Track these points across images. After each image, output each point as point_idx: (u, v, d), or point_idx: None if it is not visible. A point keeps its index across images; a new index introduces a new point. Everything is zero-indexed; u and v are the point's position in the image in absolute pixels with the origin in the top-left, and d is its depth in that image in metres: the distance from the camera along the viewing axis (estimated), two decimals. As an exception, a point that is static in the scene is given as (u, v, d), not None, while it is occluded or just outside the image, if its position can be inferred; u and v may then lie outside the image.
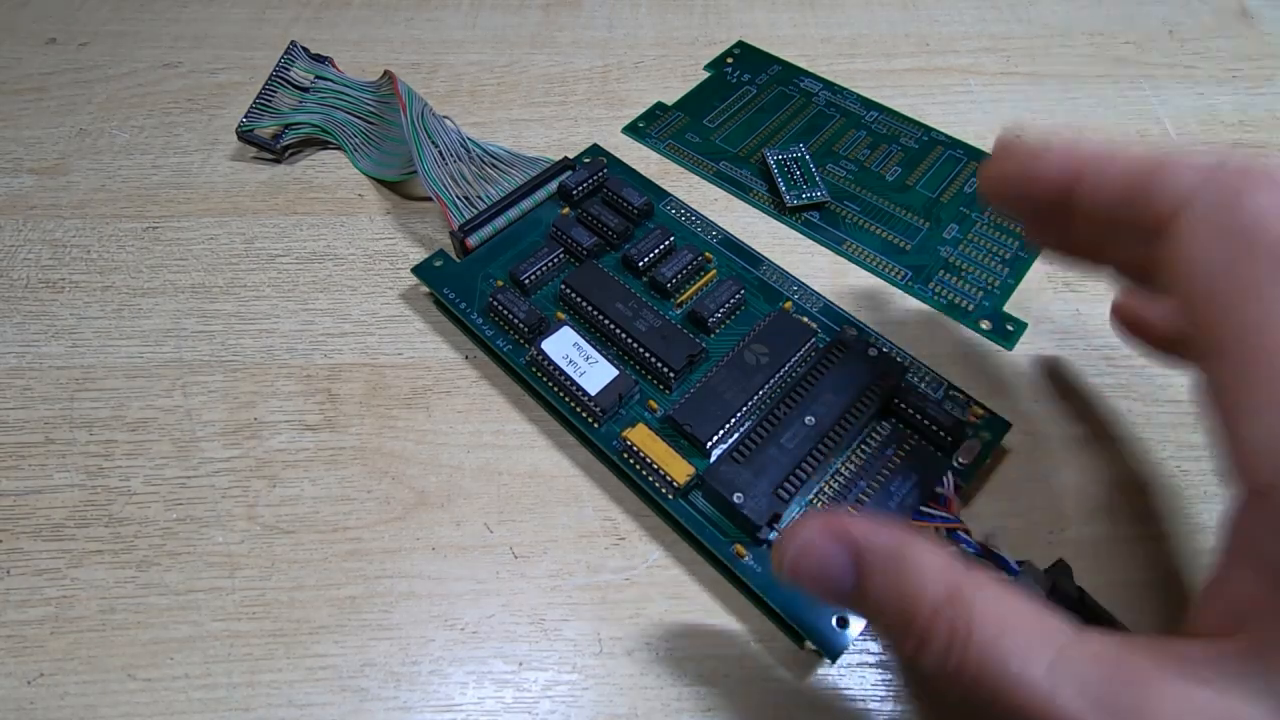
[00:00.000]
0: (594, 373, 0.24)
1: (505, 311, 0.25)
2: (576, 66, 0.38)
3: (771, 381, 0.24)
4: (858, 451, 0.23)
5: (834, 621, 0.20)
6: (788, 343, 0.24)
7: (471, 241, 0.28)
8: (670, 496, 0.22)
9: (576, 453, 0.25)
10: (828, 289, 0.27)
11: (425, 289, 0.28)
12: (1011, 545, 0.20)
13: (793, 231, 0.30)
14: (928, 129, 0.34)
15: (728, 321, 0.26)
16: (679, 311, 0.26)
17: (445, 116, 0.31)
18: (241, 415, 0.25)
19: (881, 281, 0.29)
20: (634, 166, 0.31)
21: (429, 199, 0.31)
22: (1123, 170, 0.17)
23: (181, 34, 0.40)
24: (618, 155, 0.32)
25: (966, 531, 0.20)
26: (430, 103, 0.31)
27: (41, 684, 0.20)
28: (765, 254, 0.28)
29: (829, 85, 0.36)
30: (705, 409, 0.23)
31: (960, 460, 0.22)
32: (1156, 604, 0.21)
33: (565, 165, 0.30)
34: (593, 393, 0.23)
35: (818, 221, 0.30)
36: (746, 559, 0.21)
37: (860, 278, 0.29)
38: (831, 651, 0.20)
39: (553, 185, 0.30)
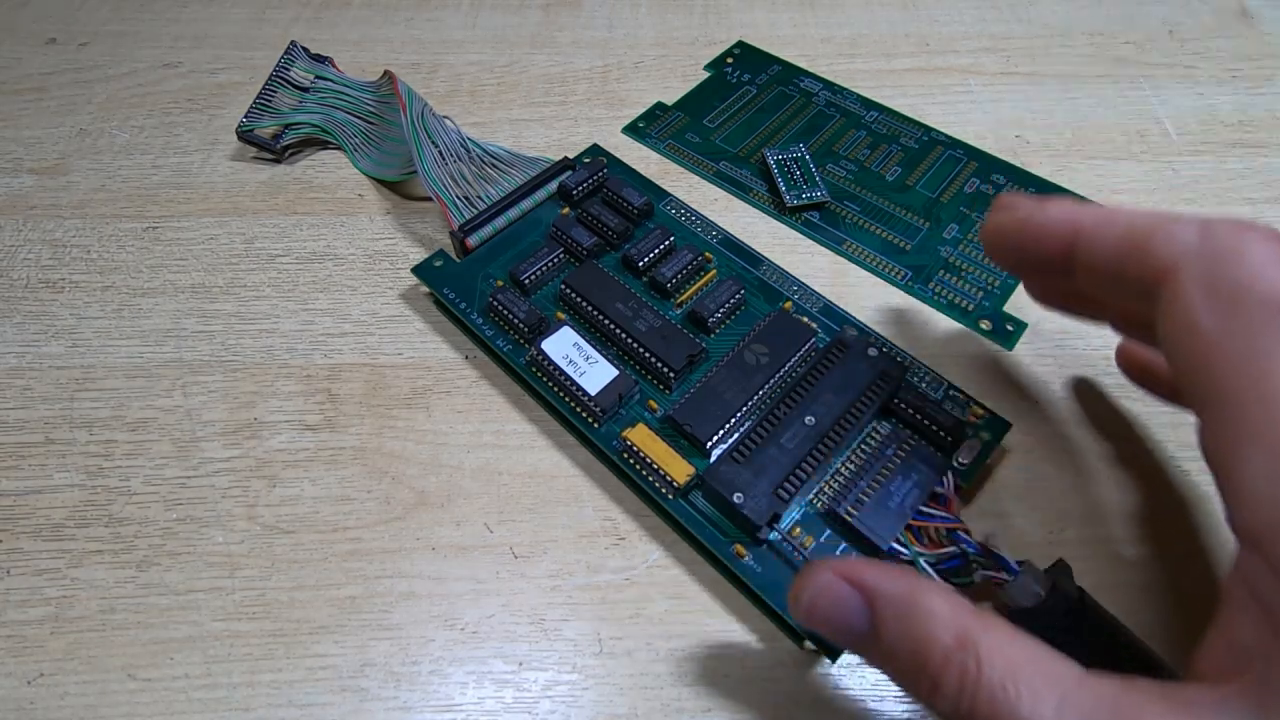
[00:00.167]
0: (594, 373, 0.24)
1: (505, 311, 0.25)
2: (576, 66, 0.38)
3: (771, 381, 0.24)
4: (858, 451, 0.23)
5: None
6: (788, 343, 0.24)
7: (471, 241, 0.28)
8: (670, 496, 0.22)
9: (576, 453, 0.25)
10: (828, 289, 0.27)
11: (425, 289, 0.28)
12: (1011, 545, 0.20)
13: (793, 231, 0.30)
14: (928, 129, 0.34)
15: (728, 321, 0.26)
16: (679, 311, 0.26)
17: (445, 116, 0.31)
18: (241, 415, 0.26)
19: (881, 281, 0.29)
20: (634, 166, 0.31)
21: (429, 199, 0.31)
22: (1121, 229, 0.17)
23: (181, 34, 0.40)
24: (618, 155, 0.32)
25: (966, 531, 0.20)
26: (430, 103, 0.31)
27: (41, 684, 0.20)
28: (765, 254, 0.28)
29: (829, 85, 0.36)
30: (705, 409, 0.23)
31: (960, 460, 0.22)
32: (1156, 604, 0.21)
33: (565, 165, 0.30)
34: (593, 393, 0.23)
35: (818, 221, 0.30)
36: (746, 559, 0.21)
37: (860, 278, 0.29)
38: (831, 651, 0.20)
39: (553, 185, 0.30)
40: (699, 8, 0.41)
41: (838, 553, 0.21)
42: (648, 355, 0.24)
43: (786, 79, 0.36)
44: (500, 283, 0.27)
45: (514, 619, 0.21)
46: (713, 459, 0.23)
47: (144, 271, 0.30)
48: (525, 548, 0.23)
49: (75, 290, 0.29)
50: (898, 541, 0.21)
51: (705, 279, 0.27)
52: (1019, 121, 0.34)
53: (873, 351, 0.23)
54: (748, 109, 0.35)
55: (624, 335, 0.25)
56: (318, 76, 0.35)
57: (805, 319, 0.26)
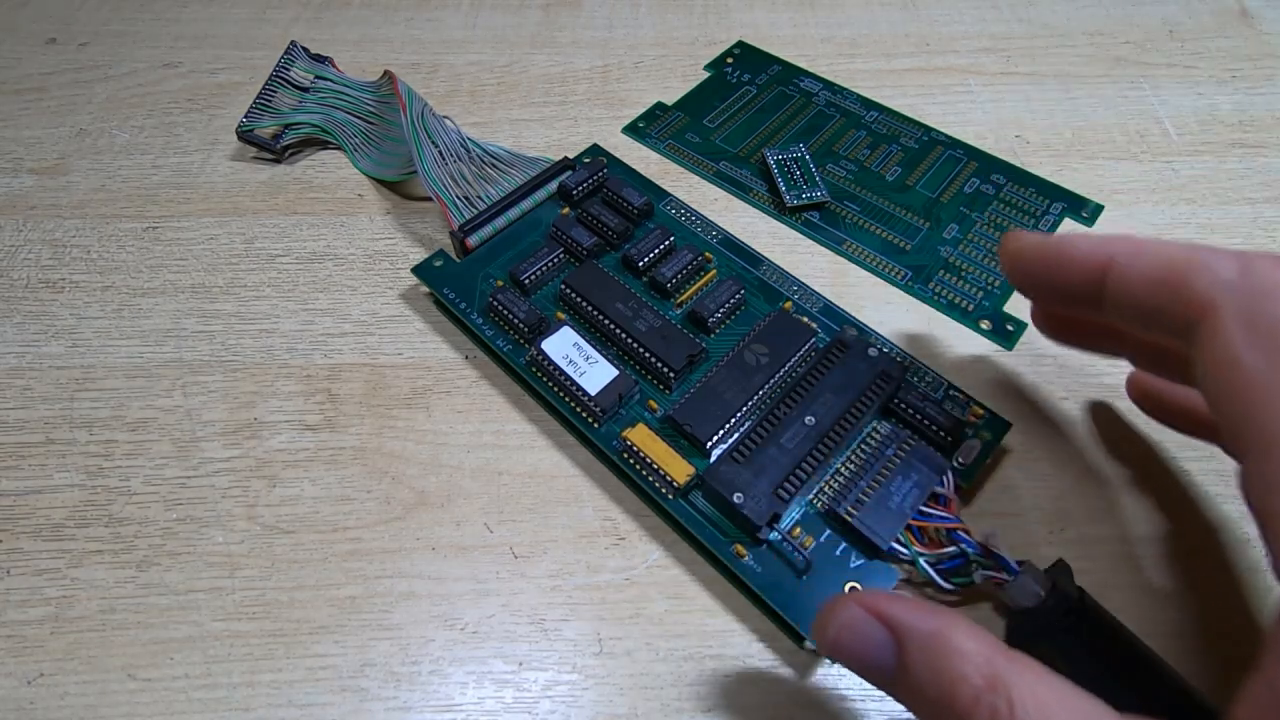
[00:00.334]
0: (594, 373, 0.24)
1: (505, 311, 0.25)
2: (576, 66, 0.38)
3: (771, 381, 0.24)
4: (858, 451, 0.23)
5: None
6: (788, 343, 0.24)
7: (471, 241, 0.28)
8: (670, 496, 0.22)
9: (576, 453, 0.25)
10: (828, 289, 0.27)
11: (425, 289, 0.28)
12: (1011, 545, 0.20)
13: (793, 231, 0.30)
14: (928, 129, 0.34)
15: (728, 321, 0.26)
16: (679, 311, 0.26)
17: (445, 116, 0.31)
18: (241, 415, 0.25)
19: (881, 281, 0.29)
20: (634, 166, 0.31)
21: (429, 199, 0.31)
22: (1156, 261, 0.17)
23: (181, 34, 0.40)
24: (618, 155, 0.32)
25: (966, 531, 0.20)
26: (430, 103, 0.31)
27: (41, 684, 0.20)
28: (765, 254, 0.28)
29: (829, 85, 0.36)
30: (705, 409, 0.23)
31: (960, 460, 0.22)
32: (1156, 604, 0.21)
33: (565, 165, 0.30)
34: (593, 393, 0.23)
35: (818, 221, 0.30)
36: (746, 559, 0.21)
37: (860, 278, 0.29)
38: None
39: (553, 185, 0.30)
40: (699, 8, 0.41)
41: (837, 553, 0.21)
42: (648, 355, 0.24)
43: (786, 79, 0.36)
44: (500, 283, 0.27)
45: (514, 619, 0.21)
46: (713, 459, 0.23)
47: (144, 271, 0.30)
48: (525, 548, 0.23)
49: (75, 290, 0.29)
50: (898, 541, 0.21)
51: (705, 279, 0.27)
52: (1019, 121, 0.34)
53: (873, 351, 0.23)
54: (748, 109, 0.35)
55: (624, 335, 0.25)
56: (318, 76, 0.35)
57: (805, 319, 0.26)
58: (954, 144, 0.33)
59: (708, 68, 0.37)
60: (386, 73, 0.32)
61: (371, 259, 0.30)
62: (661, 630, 0.21)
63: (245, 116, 0.33)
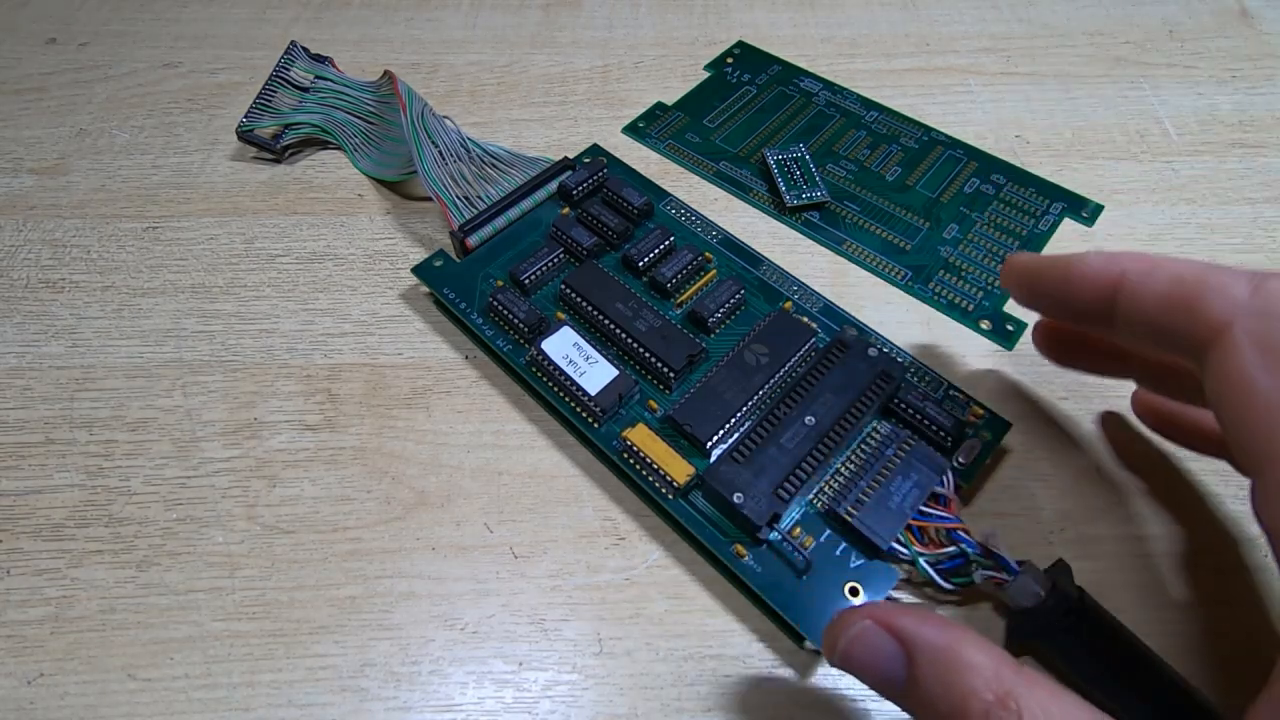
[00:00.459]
0: (594, 373, 0.24)
1: (505, 311, 0.25)
2: (576, 66, 0.38)
3: (771, 381, 0.24)
4: (858, 451, 0.23)
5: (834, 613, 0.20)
6: (788, 343, 0.24)
7: (471, 241, 0.28)
8: (670, 496, 0.22)
9: (576, 453, 0.25)
10: (828, 289, 0.27)
11: (425, 289, 0.28)
12: (1011, 545, 0.20)
13: (793, 231, 0.30)
14: (928, 129, 0.34)
15: (728, 321, 0.26)
16: (679, 311, 0.26)
17: (445, 116, 0.31)
18: (241, 415, 0.25)
19: (881, 281, 0.29)
20: (634, 166, 0.31)
21: (429, 199, 0.31)
22: (1167, 280, 0.17)
23: (181, 34, 0.40)
24: (618, 155, 0.32)
25: (966, 531, 0.20)
26: (430, 103, 0.31)
27: (41, 684, 0.20)
28: (765, 254, 0.28)
29: (829, 85, 0.36)
30: (705, 409, 0.23)
31: (960, 460, 0.22)
32: (1156, 604, 0.21)
33: (565, 165, 0.30)
34: (593, 393, 0.23)
35: (818, 221, 0.30)
36: (746, 559, 0.21)
37: (860, 278, 0.29)
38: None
39: (553, 185, 0.30)
40: (699, 8, 0.41)
41: (837, 553, 0.21)
42: (648, 355, 0.24)
43: (786, 79, 0.36)
44: (500, 283, 0.27)
45: (514, 619, 0.21)
46: (713, 459, 0.23)
47: (144, 271, 0.30)
48: (525, 548, 0.23)
49: (75, 290, 0.29)
50: (898, 541, 0.21)
51: (705, 279, 0.27)
52: (1019, 121, 0.34)
53: (873, 351, 0.23)
54: (748, 109, 0.35)
55: (624, 335, 0.25)
56: (318, 76, 0.35)
57: (805, 319, 0.26)
58: (954, 144, 0.33)
59: (708, 68, 0.37)
60: (386, 73, 0.32)
61: (371, 259, 0.30)
62: (661, 630, 0.21)
63: (245, 116, 0.33)
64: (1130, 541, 0.22)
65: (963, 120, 0.34)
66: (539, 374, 0.24)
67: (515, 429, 0.25)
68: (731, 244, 0.28)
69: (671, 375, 0.24)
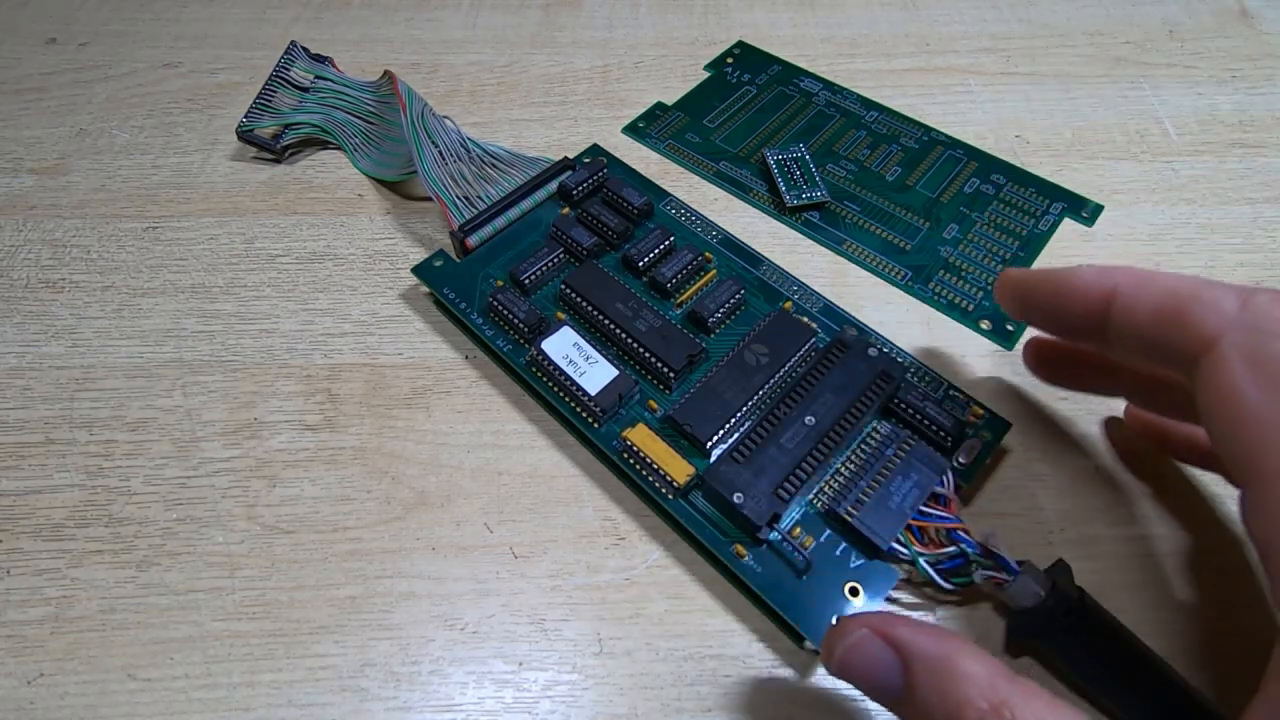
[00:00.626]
0: (594, 373, 0.24)
1: (505, 311, 0.25)
2: (576, 66, 0.38)
3: (771, 381, 0.24)
4: (858, 451, 0.23)
5: (834, 621, 0.20)
6: (788, 343, 0.24)
7: (471, 241, 0.28)
8: (670, 496, 0.22)
9: (576, 453, 0.25)
10: (828, 289, 0.27)
11: (425, 289, 0.28)
12: (1011, 545, 0.20)
13: (793, 231, 0.30)
14: (928, 129, 0.34)
15: (728, 321, 0.26)
16: (679, 311, 0.26)
17: (445, 116, 0.31)
18: (241, 415, 0.25)
19: (881, 281, 0.29)
20: (634, 166, 0.31)
21: (429, 199, 0.31)
22: (1159, 294, 0.17)
23: (181, 34, 0.40)
24: (618, 155, 0.32)
25: (966, 531, 0.20)
26: (430, 103, 0.31)
27: (41, 684, 0.20)
28: (765, 254, 0.28)
29: (829, 85, 0.36)
30: (705, 409, 0.23)
31: (960, 460, 0.22)
32: (1156, 604, 0.21)
33: (565, 165, 0.30)
34: (593, 393, 0.23)
35: (818, 221, 0.30)
36: (746, 559, 0.21)
37: (860, 278, 0.29)
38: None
39: (553, 185, 0.30)
40: (699, 8, 0.41)
41: (837, 553, 0.21)
42: (648, 355, 0.24)
43: (786, 79, 0.36)
44: (500, 283, 0.27)
45: (514, 619, 0.21)
46: (713, 459, 0.23)
47: (144, 271, 0.30)
48: (525, 548, 0.23)
49: (75, 290, 0.29)
50: (898, 541, 0.21)
51: (705, 279, 0.27)
52: (1019, 121, 0.34)
53: (873, 351, 0.23)
54: (748, 109, 0.35)
55: (624, 335, 0.25)
56: (318, 76, 0.35)
57: (805, 319, 0.26)
58: (954, 144, 0.33)
59: (708, 68, 0.37)
60: (386, 73, 0.32)
61: (371, 259, 0.30)
62: (661, 630, 0.21)
63: (245, 116, 0.33)
64: (1130, 541, 0.22)
65: (963, 120, 0.34)
66: (539, 374, 0.24)
67: (515, 429, 0.25)
68: (731, 244, 0.28)
69: (671, 375, 0.24)
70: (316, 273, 0.29)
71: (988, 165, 0.32)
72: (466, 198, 0.29)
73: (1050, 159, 0.33)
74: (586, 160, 0.31)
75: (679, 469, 0.22)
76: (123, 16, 0.41)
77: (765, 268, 0.28)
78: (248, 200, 0.32)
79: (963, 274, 0.29)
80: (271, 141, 0.33)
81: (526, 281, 0.27)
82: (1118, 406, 0.25)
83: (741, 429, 0.23)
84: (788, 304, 0.26)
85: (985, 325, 0.27)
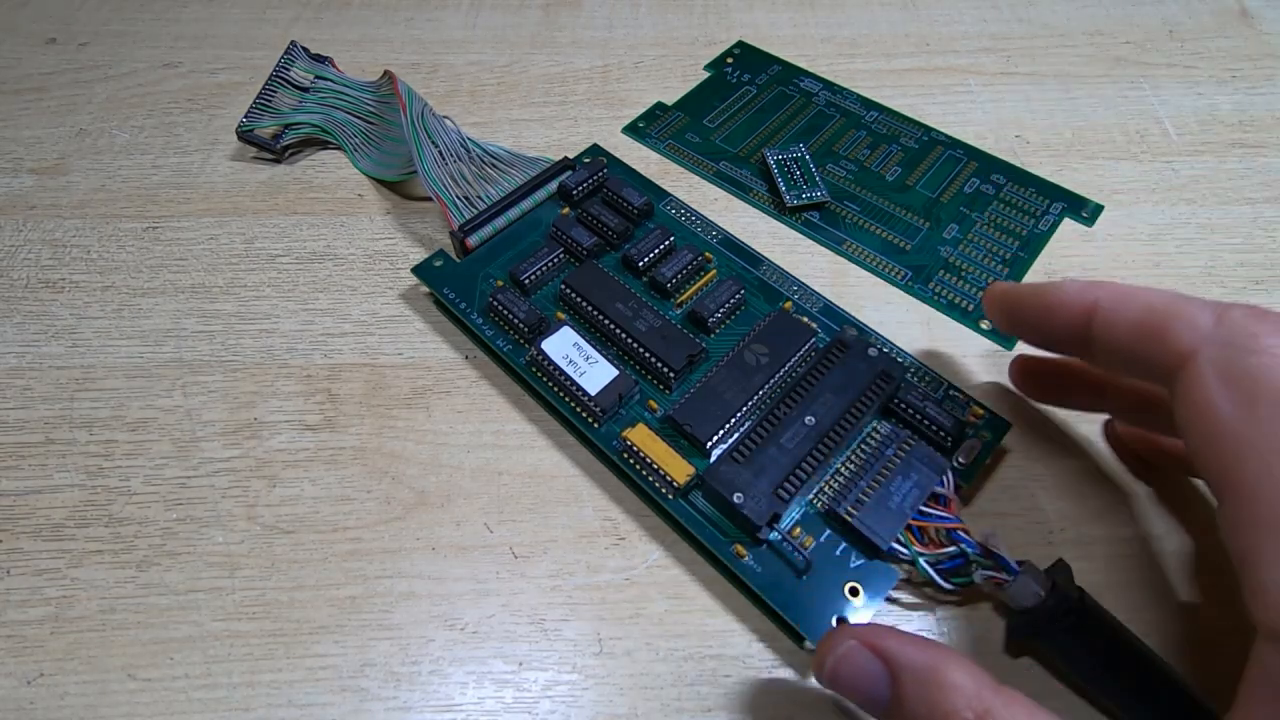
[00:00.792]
0: (594, 373, 0.24)
1: (505, 311, 0.25)
2: (576, 66, 0.38)
3: (771, 381, 0.24)
4: (858, 451, 0.23)
5: (834, 621, 0.20)
6: (788, 343, 0.24)
7: (471, 241, 0.28)
8: (670, 496, 0.22)
9: (576, 453, 0.25)
10: (828, 289, 0.27)
11: (425, 289, 0.28)
12: (1011, 545, 0.20)
13: (793, 231, 0.30)
14: (928, 129, 0.34)
15: (728, 321, 0.26)
16: (679, 311, 0.26)
17: (445, 116, 0.31)
18: (241, 415, 0.25)
19: (881, 281, 0.29)
20: (634, 166, 0.31)
21: (429, 199, 0.31)
22: (1138, 310, 0.18)
23: (181, 34, 0.40)
24: (618, 155, 0.32)
25: (966, 531, 0.20)
26: (430, 103, 0.31)
27: (41, 684, 0.20)
28: (765, 254, 0.28)
29: (829, 85, 0.36)
30: (705, 409, 0.23)
31: (960, 460, 0.22)
32: (1157, 604, 0.21)
33: (565, 165, 0.30)
34: (593, 393, 0.23)
35: (818, 221, 0.30)
36: (746, 559, 0.21)
37: (860, 278, 0.29)
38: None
39: (553, 185, 0.30)
40: (699, 8, 0.41)
41: (837, 553, 0.21)
42: (648, 355, 0.24)
43: (786, 79, 0.36)
44: (500, 283, 0.27)
45: (514, 619, 0.21)
46: (713, 459, 0.23)
47: (144, 271, 0.30)
48: (525, 548, 0.23)
49: (75, 290, 0.29)
50: (898, 541, 0.21)
51: (705, 279, 0.27)
52: (1019, 121, 0.34)
53: (873, 351, 0.23)
54: (748, 109, 0.35)
55: (624, 335, 0.25)
56: (318, 76, 0.35)
57: (805, 319, 0.26)
58: (954, 144, 0.33)
59: (708, 68, 0.37)
60: (386, 73, 0.32)
61: (371, 259, 0.30)
62: (661, 630, 0.21)
63: (245, 116, 0.33)
64: (1130, 541, 0.22)
65: (963, 120, 0.34)
66: (539, 374, 0.24)
67: (515, 429, 0.25)
68: (731, 244, 0.28)
69: (671, 375, 0.24)
70: (316, 273, 0.29)
71: (988, 165, 0.32)
72: (466, 198, 0.29)
73: (1050, 159, 0.33)
74: (586, 160, 0.31)
75: (679, 469, 0.22)
76: (123, 16, 0.41)
77: (765, 268, 0.28)
78: (248, 200, 0.32)
79: (963, 274, 0.29)
80: (271, 141, 0.33)
81: (526, 281, 0.27)
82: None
83: (741, 429, 0.23)
84: (788, 304, 0.26)
85: (985, 325, 0.27)
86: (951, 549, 0.20)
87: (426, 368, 0.27)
